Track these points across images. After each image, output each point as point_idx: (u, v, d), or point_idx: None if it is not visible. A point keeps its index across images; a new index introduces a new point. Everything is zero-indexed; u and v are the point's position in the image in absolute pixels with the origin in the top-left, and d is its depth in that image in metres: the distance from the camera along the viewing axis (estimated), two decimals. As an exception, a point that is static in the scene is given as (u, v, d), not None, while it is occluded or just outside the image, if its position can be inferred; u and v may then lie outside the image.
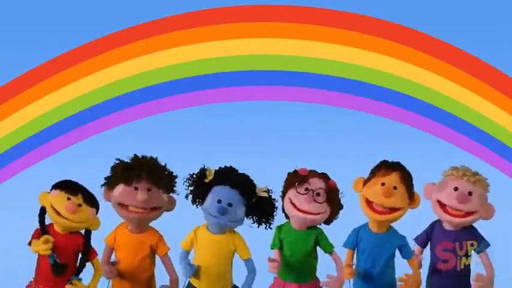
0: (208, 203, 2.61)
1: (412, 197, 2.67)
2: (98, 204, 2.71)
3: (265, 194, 2.67)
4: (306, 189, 2.64)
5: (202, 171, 2.66)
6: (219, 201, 2.59)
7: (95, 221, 2.69)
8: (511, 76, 3.03)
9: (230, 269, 2.64)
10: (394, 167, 2.69)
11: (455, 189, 2.70)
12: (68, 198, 2.64)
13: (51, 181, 2.74)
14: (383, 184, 2.65)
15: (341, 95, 3.15)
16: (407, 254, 2.66)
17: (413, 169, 3.26)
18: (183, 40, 2.91)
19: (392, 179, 2.65)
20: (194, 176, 2.67)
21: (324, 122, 3.27)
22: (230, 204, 2.60)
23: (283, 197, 2.70)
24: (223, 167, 2.69)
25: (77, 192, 2.66)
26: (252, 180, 2.67)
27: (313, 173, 2.69)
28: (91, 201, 2.68)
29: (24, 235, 2.73)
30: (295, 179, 2.68)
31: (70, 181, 2.70)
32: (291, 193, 2.68)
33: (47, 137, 3.08)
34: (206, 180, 2.64)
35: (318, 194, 2.64)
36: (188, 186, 2.68)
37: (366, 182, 2.69)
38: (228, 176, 2.65)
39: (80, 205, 2.64)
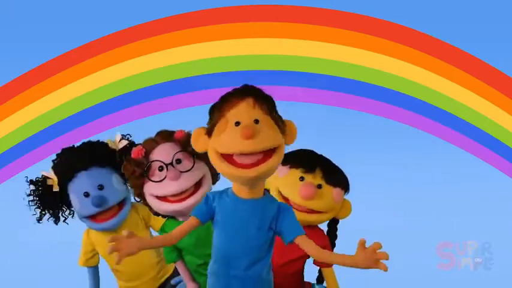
0: (77, 204, 2.37)
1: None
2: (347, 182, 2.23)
3: (123, 143, 2.40)
4: (160, 168, 2.15)
5: (44, 181, 2.41)
6: (86, 194, 2.36)
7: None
8: (511, 76, 3.03)
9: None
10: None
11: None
12: (301, 178, 2.23)
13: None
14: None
15: (341, 95, 3.16)
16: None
17: (414, 169, 3.27)
18: (183, 40, 2.91)
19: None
20: (38, 188, 2.39)
21: (324, 122, 3.27)
22: (101, 187, 2.37)
23: (144, 199, 2.22)
24: (56, 159, 2.39)
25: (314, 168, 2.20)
26: (96, 142, 2.40)
27: (149, 143, 2.19)
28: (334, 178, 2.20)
29: (24, 235, 2.73)
30: (135, 171, 2.16)
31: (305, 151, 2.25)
32: (148, 188, 2.17)
33: (47, 137, 3.08)
34: (55, 189, 2.39)
35: (179, 161, 2.16)
36: (38, 206, 2.41)
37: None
38: (72, 165, 2.38)
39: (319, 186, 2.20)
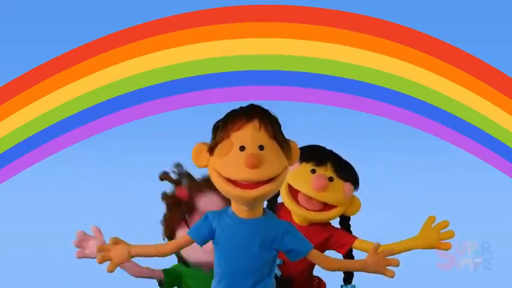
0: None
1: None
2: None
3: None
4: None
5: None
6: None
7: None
8: (511, 76, 3.03)
9: None
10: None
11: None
12: (313, 171, 2.25)
13: (51, 181, 2.73)
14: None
15: (341, 95, 3.15)
16: None
17: (414, 169, 3.27)
18: (183, 40, 2.91)
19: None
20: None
21: (325, 122, 3.27)
22: None
23: None
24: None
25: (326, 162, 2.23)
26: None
27: (195, 187, 2.20)
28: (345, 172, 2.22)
29: (24, 236, 2.73)
30: (177, 210, 2.16)
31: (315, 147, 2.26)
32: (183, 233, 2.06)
33: (47, 137, 3.08)
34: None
35: None
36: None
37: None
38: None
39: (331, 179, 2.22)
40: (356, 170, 2.30)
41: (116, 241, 1.88)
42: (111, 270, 1.88)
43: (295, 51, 2.99)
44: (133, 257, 1.89)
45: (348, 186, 2.23)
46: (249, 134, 1.79)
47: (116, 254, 1.86)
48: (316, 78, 3.04)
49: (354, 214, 2.30)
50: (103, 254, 1.87)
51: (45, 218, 3.19)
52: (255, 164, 1.74)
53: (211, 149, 1.82)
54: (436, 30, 3.04)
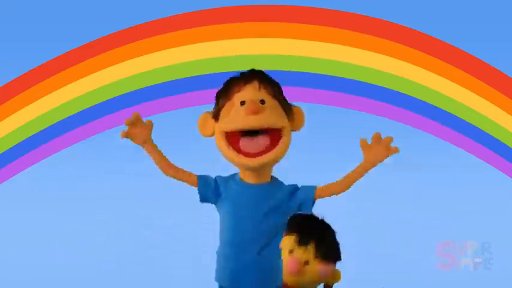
0: None
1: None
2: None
3: None
4: None
5: None
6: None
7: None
8: (511, 76, 3.03)
9: None
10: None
11: None
12: (291, 251, 2.23)
13: (51, 181, 2.73)
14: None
15: (341, 95, 3.16)
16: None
17: (413, 169, 3.27)
18: (183, 40, 2.91)
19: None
20: None
21: (325, 122, 3.28)
22: None
23: None
24: None
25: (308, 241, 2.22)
26: None
27: None
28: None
29: (24, 236, 2.73)
30: None
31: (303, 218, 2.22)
32: None
33: (47, 137, 3.08)
34: None
35: None
36: None
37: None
38: None
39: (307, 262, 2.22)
40: (339, 247, 2.27)
41: (149, 125, 1.88)
42: (122, 137, 1.88)
43: (295, 51, 2.99)
44: (143, 145, 1.88)
45: (325, 268, 2.21)
46: (249, 91, 1.82)
47: (135, 131, 1.86)
48: (316, 78, 3.04)
49: (334, 283, 2.28)
50: (131, 120, 1.85)
51: (45, 218, 3.19)
52: (255, 109, 1.77)
53: (215, 116, 1.85)
54: (436, 30, 3.04)
